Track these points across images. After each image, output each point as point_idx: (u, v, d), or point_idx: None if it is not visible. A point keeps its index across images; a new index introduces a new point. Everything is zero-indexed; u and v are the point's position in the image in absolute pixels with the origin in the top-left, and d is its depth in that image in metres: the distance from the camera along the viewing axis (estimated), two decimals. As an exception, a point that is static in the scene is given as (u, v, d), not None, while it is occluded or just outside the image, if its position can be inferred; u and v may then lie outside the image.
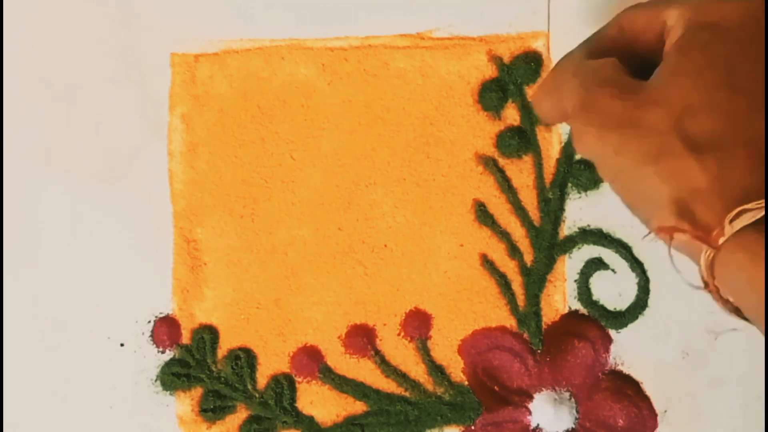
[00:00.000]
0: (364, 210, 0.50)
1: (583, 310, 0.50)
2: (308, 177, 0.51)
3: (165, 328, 0.50)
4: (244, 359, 0.50)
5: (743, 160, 0.36)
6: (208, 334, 0.50)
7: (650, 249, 0.46)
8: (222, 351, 0.51)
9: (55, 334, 0.51)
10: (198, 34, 0.51)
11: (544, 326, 0.50)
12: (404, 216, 0.50)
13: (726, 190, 0.36)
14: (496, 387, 0.49)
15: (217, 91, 0.51)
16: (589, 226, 0.50)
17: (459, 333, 0.50)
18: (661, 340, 0.49)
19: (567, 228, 0.50)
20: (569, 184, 0.50)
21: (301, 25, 0.51)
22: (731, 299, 0.36)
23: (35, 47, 0.52)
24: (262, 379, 0.50)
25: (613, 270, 0.49)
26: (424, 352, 0.50)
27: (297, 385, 0.50)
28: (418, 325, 0.50)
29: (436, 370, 0.50)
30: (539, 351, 0.49)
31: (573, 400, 0.49)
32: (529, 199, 0.50)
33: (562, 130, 0.50)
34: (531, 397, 0.49)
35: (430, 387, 0.50)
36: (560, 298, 0.50)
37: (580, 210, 0.50)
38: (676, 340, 0.49)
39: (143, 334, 0.51)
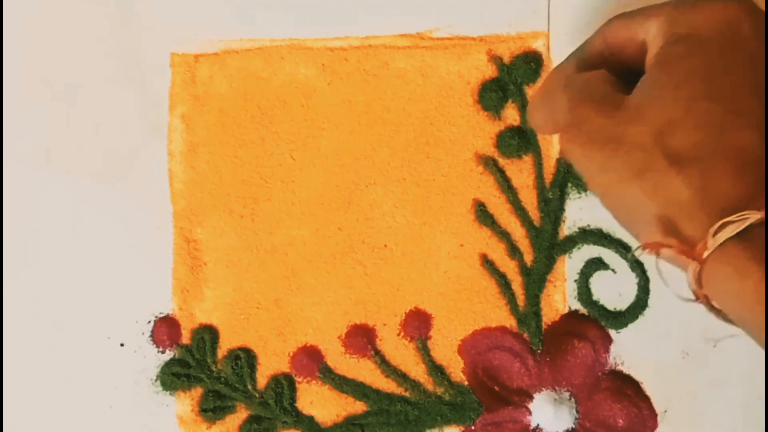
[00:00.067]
0: (364, 210, 0.50)
1: (583, 310, 0.50)
2: (308, 177, 0.51)
3: (165, 328, 0.50)
4: (244, 359, 0.50)
5: (725, 172, 0.36)
6: (208, 334, 0.50)
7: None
8: (222, 351, 0.51)
9: (55, 334, 0.51)
10: (198, 34, 0.51)
11: (544, 326, 0.50)
12: (404, 216, 0.50)
13: (709, 202, 0.36)
14: (496, 387, 0.49)
15: (217, 91, 0.51)
16: (589, 226, 0.50)
17: (459, 333, 0.50)
18: (661, 340, 0.49)
19: (567, 228, 0.50)
20: (569, 184, 0.50)
21: (301, 25, 0.51)
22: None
23: (35, 47, 0.52)
24: (262, 379, 0.50)
25: (613, 270, 0.49)
26: (424, 352, 0.50)
27: (297, 385, 0.50)
28: (418, 325, 0.50)
29: (436, 370, 0.50)
30: (539, 351, 0.49)
31: (573, 400, 0.49)
32: (529, 199, 0.50)
33: (562, 130, 0.50)
34: (531, 397, 0.49)
35: (430, 387, 0.50)
36: (560, 298, 0.50)
37: (580, 210, 0.50)
38: (676, 340, 0.49)
39: (143, 334, 0.51)
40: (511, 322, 0.50)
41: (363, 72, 0.51)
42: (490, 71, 0.50)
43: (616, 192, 0.38)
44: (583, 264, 0.50)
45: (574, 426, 0.49)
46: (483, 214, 0.50)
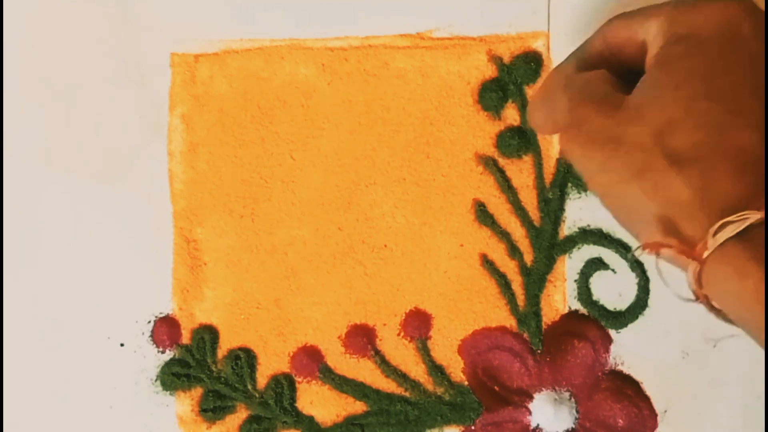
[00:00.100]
0: (364, 210, 0.50)
1: (583, 310, 0.50)
2: (308, 177, 0.51)
3: (165, 328, 0.50)
4: (244, 359, 0.50)
5: (725, 172, 0.36)
6: (208, 334, 0.50)
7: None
8: (222, 351, 0.51)
9: (55, 334, 0.51)
10: (198, 34, 0.51)
11: (544, 326, 0.50)
12: (404, 216, 0.50)
13: (709, 202, 0.36)
14: (496, 387, 0.49)
15: (217, 91, 0.51)
16: (589, 226, 0.50)
17: (459, 333, 0.50)
18: (661, 340, 0.49)
19: (567, 228, 0.50)
20: (569, 184, 0.50)
21: (301, 25, 0.51)
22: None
23: (35, 47, 0.52)
24: (262, 379, 0.50)
25: (613, 270, 0.49)
26: (424, 352, 0.50)
27: (297, 385, 0.50)
28: (418, 325, 0.50)
29: (436, 370, 0.50)
30: (539, 351, 0.49)
31: (573, 400, 0.49)
32: (529, 199, 0.50)
33: (562, 130, 0.50)
34: (531, 397, 0.49)
35: (430, 387, 0.50)
36: (560, 298, 0.50)
37: (580, 210, 0.50)
38: (676, 340, 0.49)
39: (143, 334, 0.51)
40: (511, 322, 0.50)
41: (363, 72, 0.51)
42: (490, 71, 0.50)
43: (616, 192, 0.38)
44: (583, 264, 0.50)
45: (574, 426, 0.49)
46: (483, 214, 0.50)
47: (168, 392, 0.50)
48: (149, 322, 0.51)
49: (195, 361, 0.50)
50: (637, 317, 0.49)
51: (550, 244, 0.50)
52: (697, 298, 0.37)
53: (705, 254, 0.35)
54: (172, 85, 0.51)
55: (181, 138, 0.51)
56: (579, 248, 0.50)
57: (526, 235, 0.50)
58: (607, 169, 0.38)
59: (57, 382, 0.51)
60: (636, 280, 0.49)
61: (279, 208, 0.51)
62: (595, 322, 0.49)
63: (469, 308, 0.50)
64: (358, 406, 0.50)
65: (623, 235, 0.49)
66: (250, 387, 0.50)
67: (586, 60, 0.43)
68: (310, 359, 0.50)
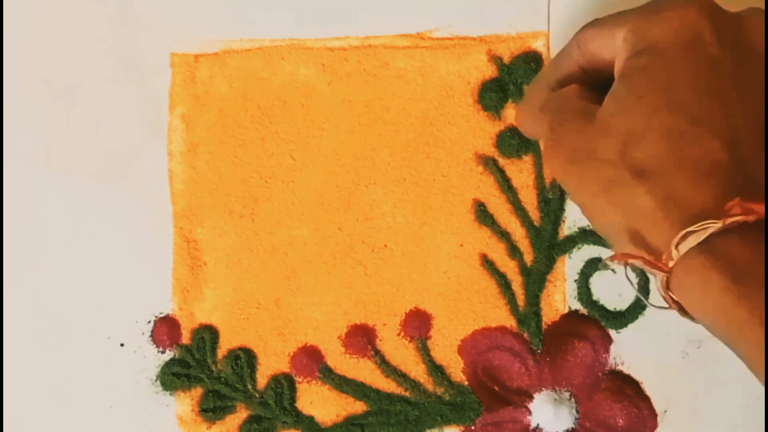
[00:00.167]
0: (364, 210, 0.50)
1: (583, 310, 0.50)
2: (308, 177, 0.51)
3: (165, 328, 0.50)
4: (244, 359, 0.50)
5: (687, 182, 0.36)
6: (208, 334, 0.50)
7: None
8: (222, 351, 0.51)
9: (55, 334, 0.51)
10: (198, 34, 0.51)
11: (544, 326, 0.50)
12: (404, 216, 0.50)
13: (672, 213, 0.36)
14: (496, 387, 0.49)
15: (217, 91, 0.51)
16: (589, 226, 0.49)
17: (459, 333, 0.50)
18: (661, 340, 0.49)
19: (567, 228, 0.50)
20: (569, 184, 0.50)
21: (301, 25, 0.51)
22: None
23: (35, 47, 0.52)
24: (262, 379, 0.50)
25: (613, 270, 0.49)
26: (424, 352, 0.50)
27: (297, 385, 0.50)
28: (418, 325, 0.50)
29: (436, 370, 0.50)
30: (539, 351, 0.49)
31: (573, 400, 0.49)
32: (529, 199, 0.50)
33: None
34: (531, 397, 0.49)
35: (430, 387, 0.50)
36: (560, 298, 0.50)
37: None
38: (676, 340, 0.49)
39: (143, 334, 0.51)
40: (511, 322, 0.50)
41: (363, 72, 0.51)
42: (490, 71, 0.50)
43: (590, 205, 0.39)
44: (583, 264, 0.50)
45: (574, 426, 0.49)
46: (483, 214, 0.50)
47: (168, 392, 0.50)
48: (149, 322, 0.51)
49: (195, 361, 0.50)
50: (637, 317, 0.49)
51: (550, 244, 0.50)
52: (669, 306, 0.37)
53: (670, 264, 0.36)
54: (172, 85, 0.51)
55: (181, 138, 0.51)
56: (579, 248, 0.50)
57: (526, 235, 0.50)
58: (581, 183, 0.39)
59: (57, 382, 0.51)
60: (636, 280, 0.49)
61: (279, 208, 0.51)
62: (595, 322, 0.49)
63: (469, 308, 0.50)
64: (358, 406, 0.50)
65: (623, 235, 0.49)
66: (250, 387, 0.50)
67: (561, 70, 0.43)
68: (310, 359, 0.50)
